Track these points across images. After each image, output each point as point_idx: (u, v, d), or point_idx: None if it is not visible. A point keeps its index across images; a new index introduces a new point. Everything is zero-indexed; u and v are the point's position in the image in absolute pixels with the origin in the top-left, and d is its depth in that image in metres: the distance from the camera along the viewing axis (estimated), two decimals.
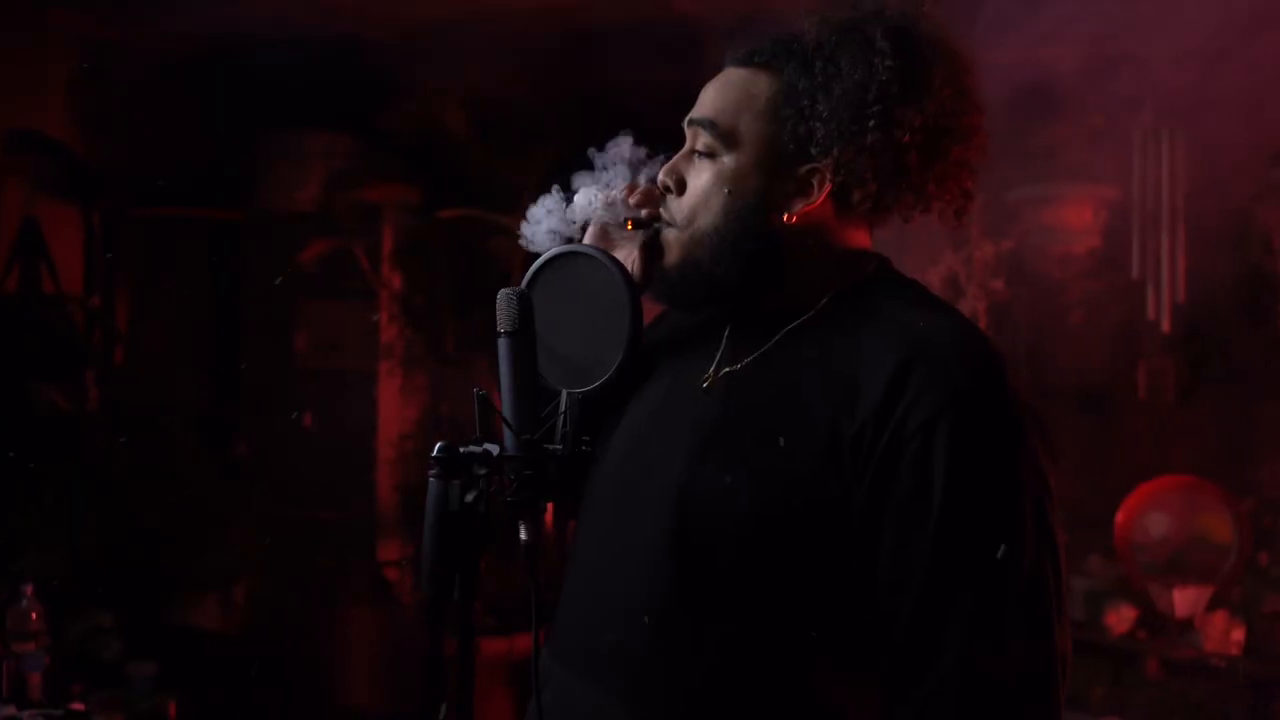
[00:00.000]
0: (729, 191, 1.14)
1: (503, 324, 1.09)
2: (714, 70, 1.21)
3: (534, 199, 1.26)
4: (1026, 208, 3.02)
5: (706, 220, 1.15)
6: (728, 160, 1.14)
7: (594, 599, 1.20)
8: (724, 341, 1.20)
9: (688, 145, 1.19)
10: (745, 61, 1.17)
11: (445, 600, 1.02)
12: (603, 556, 1.20)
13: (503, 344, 1.09)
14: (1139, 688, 2.98)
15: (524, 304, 1.09)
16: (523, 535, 1.08)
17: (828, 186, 1.12)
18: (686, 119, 1.19)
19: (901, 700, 1.01)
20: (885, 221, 1.20)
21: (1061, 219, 2.94)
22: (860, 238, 1.18)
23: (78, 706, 2.39)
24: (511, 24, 3.89)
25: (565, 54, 3.93)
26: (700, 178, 1.16)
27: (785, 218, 1.13)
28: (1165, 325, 2.93)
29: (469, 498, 1.02)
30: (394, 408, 4.26)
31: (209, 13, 3.75)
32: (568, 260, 1.22)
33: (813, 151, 1.11)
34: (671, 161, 1.20)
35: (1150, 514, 3.08)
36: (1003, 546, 0.97)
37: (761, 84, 1.15)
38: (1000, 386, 1.04)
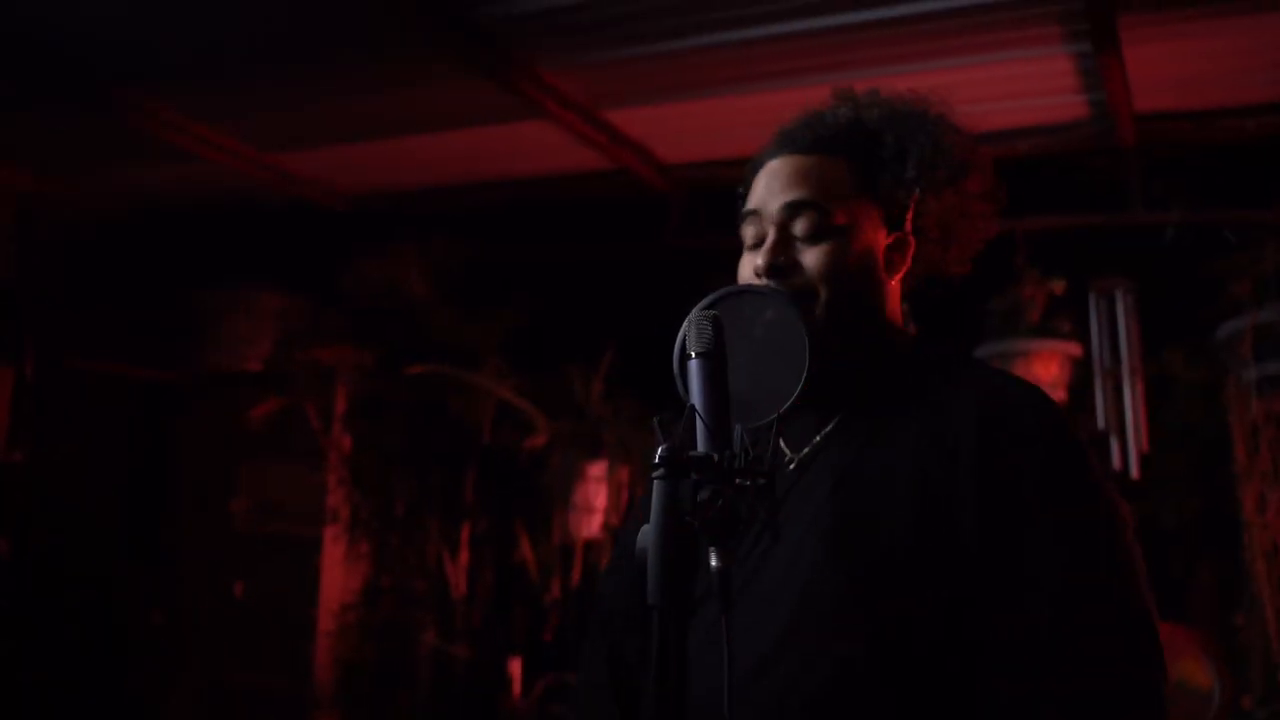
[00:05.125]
0: (849, 262, 1.19)
1: (697, 345, 1.08)
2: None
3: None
4: (997, 362, 3.17)
5: (836, 289, 1.19)
6: (840, 237, 1.19)
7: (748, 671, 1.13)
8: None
9: (777, 231, 1.21)
10: (809, 149, 1.23)
11: (679, 601, 0.96)
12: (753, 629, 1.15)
13: (697, 365, 1.08)
14: None
15: (718, 327, 1.09)
16: (714, 562, 1.03)
17: (911, 248, 1.23)
18: (777, 206, 1.22)
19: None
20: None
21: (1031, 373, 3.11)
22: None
23: None
24: (471, 195, 4.00)
25: (527, 222, 4.05)
26: (815, 255, 1.20)
27: (891, 282, 1.23)
28: (1134, 473, 3.06)
29: (702, 495, 0.99)
30: (336, 575, 4.04)
31: (166, 170, 3.75)
32: (742, 298, 1.19)
33: (898, 218, 1.23)
34: (769, 247, 1.21)
35: None
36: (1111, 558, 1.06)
37: (835, 167, 1.22)
38: (1066, 425, 1.13)
